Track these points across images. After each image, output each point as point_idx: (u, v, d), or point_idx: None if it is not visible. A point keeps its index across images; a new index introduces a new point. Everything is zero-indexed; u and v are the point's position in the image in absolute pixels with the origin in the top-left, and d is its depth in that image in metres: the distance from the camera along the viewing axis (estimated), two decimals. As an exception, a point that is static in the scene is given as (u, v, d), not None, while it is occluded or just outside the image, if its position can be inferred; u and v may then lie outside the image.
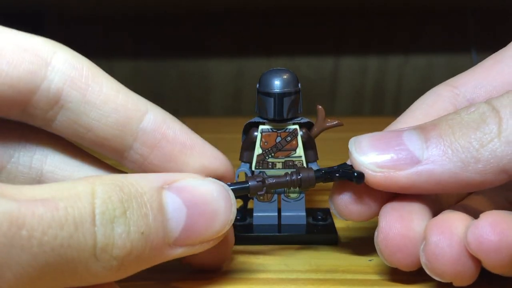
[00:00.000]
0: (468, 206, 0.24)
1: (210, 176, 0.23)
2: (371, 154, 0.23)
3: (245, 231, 0.29)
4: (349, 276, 0.25)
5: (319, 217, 0.30)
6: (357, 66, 0.73)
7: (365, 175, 0.23)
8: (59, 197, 0.18)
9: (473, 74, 0.27)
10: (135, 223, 0.19)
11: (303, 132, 0.28)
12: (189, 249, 0.21)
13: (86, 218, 0.18)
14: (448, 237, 0.21)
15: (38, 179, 0.23)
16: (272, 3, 0.68)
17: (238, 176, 0.29)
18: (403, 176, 0.22)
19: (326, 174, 0.24)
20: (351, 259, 0.25)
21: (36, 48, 0.21)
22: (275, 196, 0.29)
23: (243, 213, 0.30)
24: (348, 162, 0.24)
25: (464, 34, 0.70)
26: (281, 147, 0.28)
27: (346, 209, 0.24)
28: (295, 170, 0.25)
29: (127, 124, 0.22)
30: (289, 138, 0.28)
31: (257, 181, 0.24)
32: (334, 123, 0.29)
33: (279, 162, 0.28)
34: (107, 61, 0.75)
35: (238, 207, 0.30)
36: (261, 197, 0.29)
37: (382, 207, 0.23)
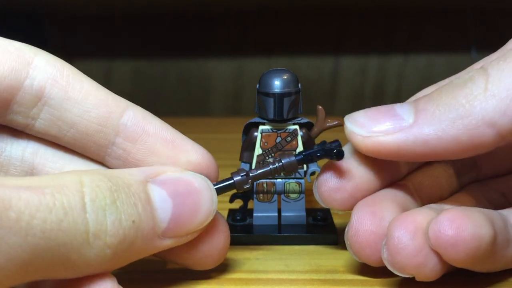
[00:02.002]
0: (448, 203, 0.24)
1: (194, 170, 0.23)
2: (366, 125, 0.23)
3: (245, 231, 0.29)
4: (349, 276, 0.25)
5: (319, 217, 0.30)
6: (357, 66, 0.73)
7: (356, 141, 0.23)
8: (45, 185, 0.18)
9: None
10: (126, 212, 0.19)
11: (303, 133, 0.28)
12: (176, 241, 0.21)
13: (75, 204, 0.18)
14: (411, 231, 0.21)
15: (30, 172, 0.24)
16: (272, 3, 0.68)
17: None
18: (392, 139, 0.22)
19: (307, 156, 0.25)
20: (351, 259, 0.25)
21: (18, 50, 0.22)
22: (275, 196, 0.29)
23: (243, 213, 0.30)
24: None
25: (464, 34, 0.70)
26: (281, 148, 0.28)
27: (329, 197, 0.25)
28: (277, 158, 0.25)
29: (108, 119, 0.23)
30: (289, 139, 0.28)
31: (241, 175, 0.24)
32: (334, 123, 0.29)
33: (279, 162, 0.28)
34: (107, 61, 0.75)
35: (238, 207, 0.30)
36: (261, 197, 0.29)
37: (357, 203, 0.24)
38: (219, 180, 0.24)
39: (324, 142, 0.25)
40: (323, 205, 0.25)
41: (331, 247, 0.28)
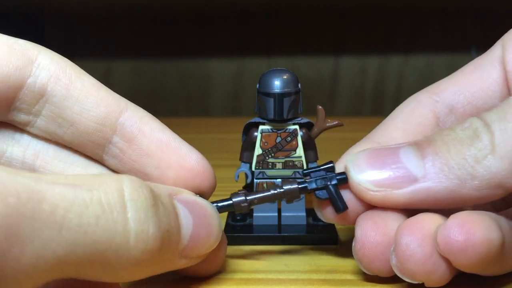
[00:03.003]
0: (450, 208, 0.24)
1: (186, 176, 0.23)
2: (368, 172, 0.23)
3: (246, 231, 0.29)
4: (349, 276, 0.25)
5: (319, 217, 0.30)
6: (357, 66, 0.73)
7: (363, 194, 0.23)
8: (82, 182, 0.17)
9: (452, 80, 0.27)
10: (163, 218, 0.19)
11: (303, 133, 0.28)
12: (189, 261, 0.22)
13: (115, 202, 0.18)
14: (419, 238, 0.21)
15: None
16: (272, 3, 0.68)
17: (238, 177, 0.29)
18: (401, 194, 0.22)
19: (310, 188, 0.24)
20: (351, 259, 0.25)
21: (23, 48, 0.22)
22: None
23: (243, 213, 0.30)
24: (337, 167, 0.24)
25: (464, 34, 0.70)
26: (281, 148, 0.28)
27: (330, 212, 0.24)
28: (279, 185, 0.25)
29: (107, 118, 0.23)
30: (289, 139, 0.28)
31: (240, 198, 0.24)
32: (334, 123, 0.29)
33: (279, 163, 0.28)
34: (107, 61, 0.75)
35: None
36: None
37: (358, 217, 0.24)
38: (216, 188, 0.25)
39: (331, 165, 0.24)
40: (325, 220, 0.25)
41: (331, 247, 0.28)
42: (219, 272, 0.25)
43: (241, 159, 0.29)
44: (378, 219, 0.23)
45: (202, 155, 0.24)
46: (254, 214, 0.29)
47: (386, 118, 0.27)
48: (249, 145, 0.29)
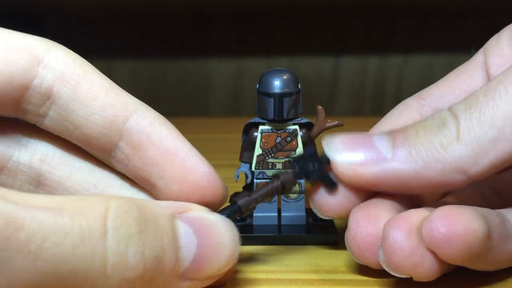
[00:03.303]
0: (442, 204, 0.25)
1: (190, 189, 0.22)
2: (343, 152, 0.24)
3: (245, 231, 0.29)
4: (349, 277, 0.25)
5: (319, 217, 0.30)
6: (357, 66, 0.73)
7: (337, 170, 0.24)
8: (65, 206, 0.17)
9: (438, 85, 0.29)
10: (150, 245, 0.18)
11: (303, 133, 0.28)
12: (195, 284, 0.20)
13: (95, 230, 0.17)
14: (406, 231, 0.21)
15: (36, 179, 0.24)
16: (272, 3, 0.68)
17: (238, 177, 0.29)
18: (370, 172, 0.23)
19: (301, 173, 0.25)
20: (351, 259, 0.25)
21: (29, 47, 0.22)
22: (275, 196, 0.29)
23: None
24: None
25: (464, 34, 0.70)
26: (281, 148, 0.28)
27: (325, 204, 0.25)
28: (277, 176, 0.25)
29: (113, 123, 0.22)
30: (289, 139, 0.28)
31: (248, 202, 0.24)
32: (334, 123, 0.29)
33: (279, 163, 0.28)
34: (107, 61, 0.75)
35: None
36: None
37: (353, 208, 0.24)
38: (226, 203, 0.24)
39: (314, 153, 0.25)
40: (320, 215, 0.25)
41: (331, 247, 0.28)
42: (219, 272, 0.25)
43: (241, 159, 0.29)
44: (372, 210, 0.23)
45: (211, 169, 0.23)
46: (254, 214, 0.29)
47: (377, 123, 0.28)
48: (249, 145, 0.29)
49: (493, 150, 0.21)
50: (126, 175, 0.24)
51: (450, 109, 0.23)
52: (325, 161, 0.24)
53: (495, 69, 0.27)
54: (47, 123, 0.23)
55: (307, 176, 0.25)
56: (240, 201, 0.24)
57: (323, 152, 0.24)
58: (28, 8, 0.70)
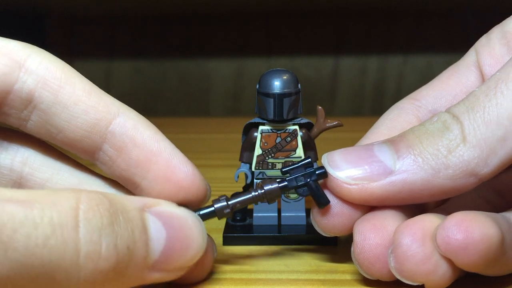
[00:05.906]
0: (447, 209, 0.24)
1: (173, 190, 0.23)
2: (345, 168, 0.23)
3: (245, 231, 0.29)
4: (348, 277, 0.25)
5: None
6: (357, 66, 0.73)
7: (340, 188, 0.23)
8: (36, 199, 0.17)
9: (432, 86, 0.28)
10: (122, 236, 0.19)
11: (303, 133, 0.28)
12: (164, 275, 0.21)
13: (67, 221, 0.17)
14: (420, 238, 0.21)
15: (18, 181, 0.24)
16: (272, 3, 0.68)
17: (237, 177, 0.29)
18: (377, 187, 0.22)
19: (290, 185, 0.24)
20: (351, 260, 0.25)
21: (10, 52, 0.22)
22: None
23: (243, 213, 0.30)
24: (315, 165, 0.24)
25: (464, 34, 0.70)
26: (281, 148, 0.28)
27: (328, 223, 0.24)
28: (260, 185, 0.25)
29: (96, 126, 0.22)
30: (289, 139, 0.28)
31: (222, 203, 0.24)
32: (334, 123, 0.29)
33: (279, 163, 0.28)
34: (107, 61, 0.75)
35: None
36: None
37: (356, 222, 0.23)
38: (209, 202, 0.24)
39: (308, 160, 0.24)
40: (324, 234, 0.24)
41: (331, 247, 0.28)
42: (219, 272, 0.25)
43: (241, 160, 0.29)
44: (377, 221, 0.23)
45: (194, 169, 0.23)
46: (254, 214, 0.29)
47: (371, 127, 0.27)
48: (249, 146, 0.29)
49: (502, 148, 0.21)
50: (110, 176, 0.24)
51: (449, 111, 0.23)
52: (322, 178, 0.23)
53: (488, 68, 0.27)
54: (30, 127, 0.23)
55: (297, 192, 0.24)
56: (217, 205, 0.24)
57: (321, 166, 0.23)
58: (28, 8, 0.70)
